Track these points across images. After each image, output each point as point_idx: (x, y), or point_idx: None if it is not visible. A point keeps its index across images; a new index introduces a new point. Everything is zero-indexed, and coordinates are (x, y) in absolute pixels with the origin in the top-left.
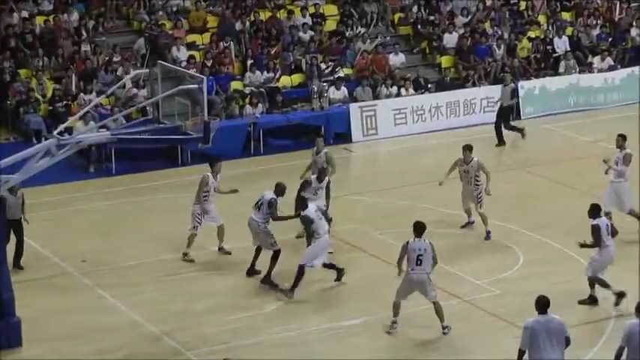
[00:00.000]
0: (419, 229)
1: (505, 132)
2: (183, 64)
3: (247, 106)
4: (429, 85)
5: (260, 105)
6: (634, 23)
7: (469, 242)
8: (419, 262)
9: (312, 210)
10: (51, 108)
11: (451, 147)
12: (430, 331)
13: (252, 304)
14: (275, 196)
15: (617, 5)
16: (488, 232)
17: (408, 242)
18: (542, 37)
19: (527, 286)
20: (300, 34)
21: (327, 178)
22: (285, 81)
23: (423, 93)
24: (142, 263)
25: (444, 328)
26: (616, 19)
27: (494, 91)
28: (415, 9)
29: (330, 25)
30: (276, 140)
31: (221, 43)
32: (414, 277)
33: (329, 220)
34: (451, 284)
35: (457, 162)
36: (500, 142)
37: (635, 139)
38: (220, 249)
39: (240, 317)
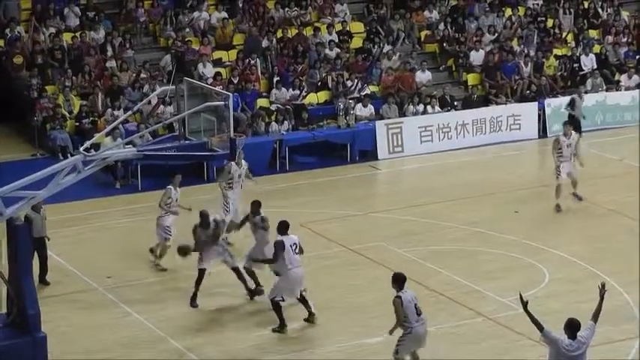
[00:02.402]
0: (399, 281)
1: None
2: (210, 80)
3: (273, 123)
4: (455, 103)
5: (286, 122)
6: None
7: (494, 260)
8: (419, 312)
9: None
10: (77, 124)
11: (477, 164)
12: (455, 351)
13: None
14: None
15: None
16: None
17: (400, 297)
18: (569, 54)
19: (553, 305)
20: (327, 51)
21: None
22: (312, 98)
23: (449, 110)
24: (167, 279)
25: None
26: None
27: (521, 109)
28: (442, 26)
29: (357, 42)
30: (302, 157)
31: (247, 60)
32: (420, 328)
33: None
34: (476, 302)
35: (556, 143)
36: None
37: None
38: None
39: (265, 334)
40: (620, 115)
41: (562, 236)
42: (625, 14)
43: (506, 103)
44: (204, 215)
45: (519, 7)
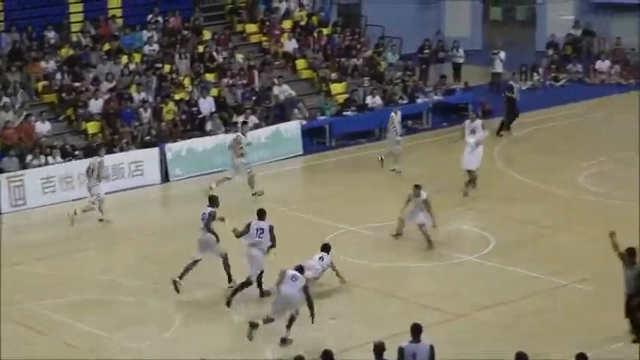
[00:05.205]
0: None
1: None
2: None
3: None
4: (77, 152)
5: None
6: (276, 81)
7: (127, 308)
8: None
9: None
10: None
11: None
12: None
13: None
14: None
15: (257, 73)
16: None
17: None
18: (187, 99)
19: None
20: None
21: None
22: None
23: (70, 160)
24: None
25: None
26: (256, 81)
27: (142, 155)
28: (59, 76)
29: None
30: None
31: None
32: None
33: None
34: (109, 351)
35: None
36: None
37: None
38: None
39: None
40: None
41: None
42: (239, 57)
43: (127, 150)
44: None
45: (135, 54)
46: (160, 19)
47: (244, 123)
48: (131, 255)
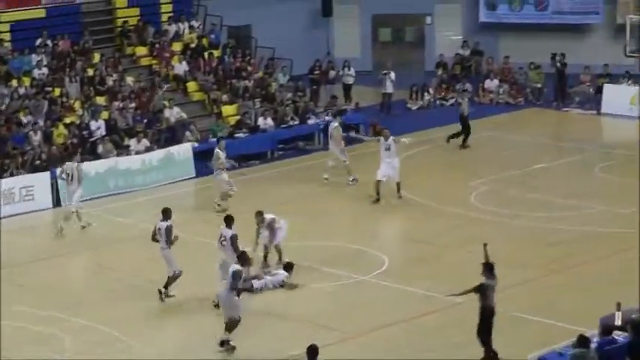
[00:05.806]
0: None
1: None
2: None
3: None
4: None
5: None
6: (167, 104)
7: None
8: None
9: None
10: None
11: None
12: None
13: None
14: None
15: (147, 96)
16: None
17: None
18: (77, 122)
19: None
20: None
21: None
22: None
23: None
24: None
25: None
26: (152, 108)
27: (33, 180)
28: None
29: None
30: None
31: None
32: None
33: None
34: None
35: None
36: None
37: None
38: None
39: None
40: (132, 179)
41: (78, 305)
42: (130, 79)
43: (17, 175)
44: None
45: (25, 78)
46: (49, 42)
47: (221, 138)
48: (23, 281)
